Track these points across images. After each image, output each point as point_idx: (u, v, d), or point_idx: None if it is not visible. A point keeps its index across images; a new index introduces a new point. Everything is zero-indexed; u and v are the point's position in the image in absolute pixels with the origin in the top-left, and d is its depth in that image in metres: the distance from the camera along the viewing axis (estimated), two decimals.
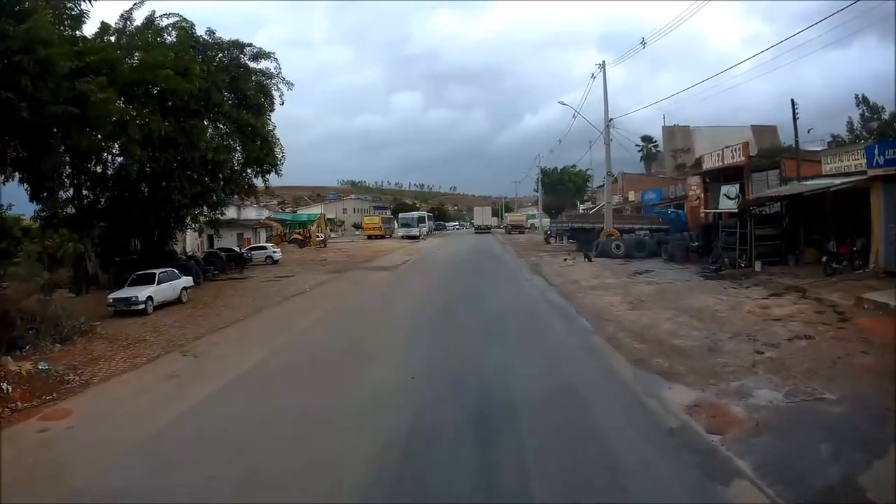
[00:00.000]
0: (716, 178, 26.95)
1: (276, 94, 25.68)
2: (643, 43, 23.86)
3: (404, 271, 23.23)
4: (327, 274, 24.12)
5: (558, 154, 79.01)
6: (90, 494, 5.15)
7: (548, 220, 79.54)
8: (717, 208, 23.06)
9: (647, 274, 18.87)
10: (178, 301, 18.09)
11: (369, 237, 58.19)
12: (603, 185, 79.38)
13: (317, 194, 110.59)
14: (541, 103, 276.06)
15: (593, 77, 27.68)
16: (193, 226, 26.83)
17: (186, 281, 19.26)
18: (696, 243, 23.06)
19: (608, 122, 26.04)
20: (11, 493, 4.99)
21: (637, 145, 75.93)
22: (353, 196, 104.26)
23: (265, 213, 58.60)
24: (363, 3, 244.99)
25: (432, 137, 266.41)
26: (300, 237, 43.78)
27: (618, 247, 24.33)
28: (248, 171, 24.61)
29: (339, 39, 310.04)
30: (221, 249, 32.19)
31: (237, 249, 32.42)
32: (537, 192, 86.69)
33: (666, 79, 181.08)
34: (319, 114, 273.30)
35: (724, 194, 21.48)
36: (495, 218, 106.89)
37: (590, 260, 22.69)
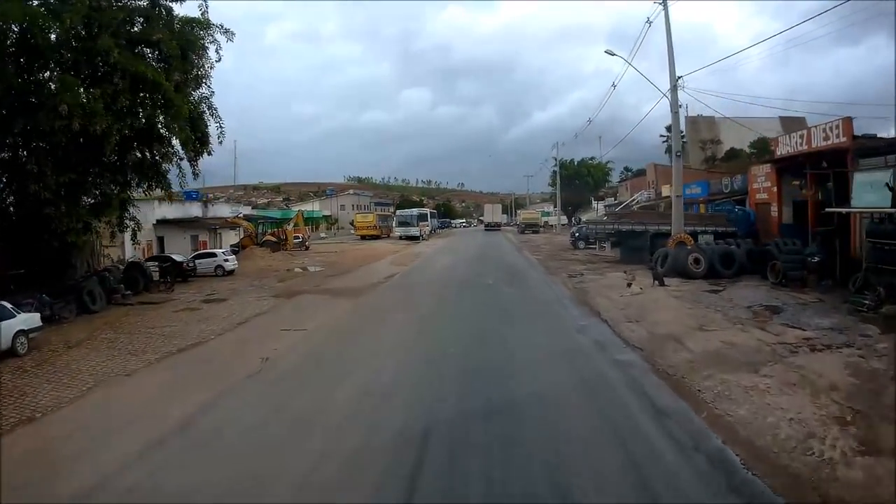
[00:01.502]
0: (793, 168, 19.97)
1: (211, 46, 18.72)
2: None
3: (379, 299, 15.41)
4: (270, 299, 16.56)
5: (569, 150, 71.08)
6: None
7: (565, 217, 71.67)
8: (854, 206, 15.32)
9: (778, 315, 11.12)
10: (11, 352, 11.03)
11: (363, 237, 50.70)
12: (624, 182, 71.40)
13: (322, 191, 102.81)
14: (550, 100, 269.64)
15: (649, 22, 19.82)
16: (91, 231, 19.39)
17: (26, 321, 11.93)
18: (816, 258, 15.26)
19: (675, 82, 18.11)
20: None
21: (661, 136, 68.10)
22: (351, 191, 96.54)
23: (246, 210, 51.43)
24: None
25: (440, 133, 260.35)
26: (274, 239, 36.23)
27: (697, 261, 16.38)
28: (157, 151, 17.24)
29: (348, 35, 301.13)
30: (156, 258, 24.87)
31: (177, 258, 24.95)
32: (552, 186, 78.50)
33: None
34: (327, 109, 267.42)
35: (887, 184, 13.54)
36: (505, 215, 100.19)
37: (661, 283, 14.85)
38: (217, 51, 18.93)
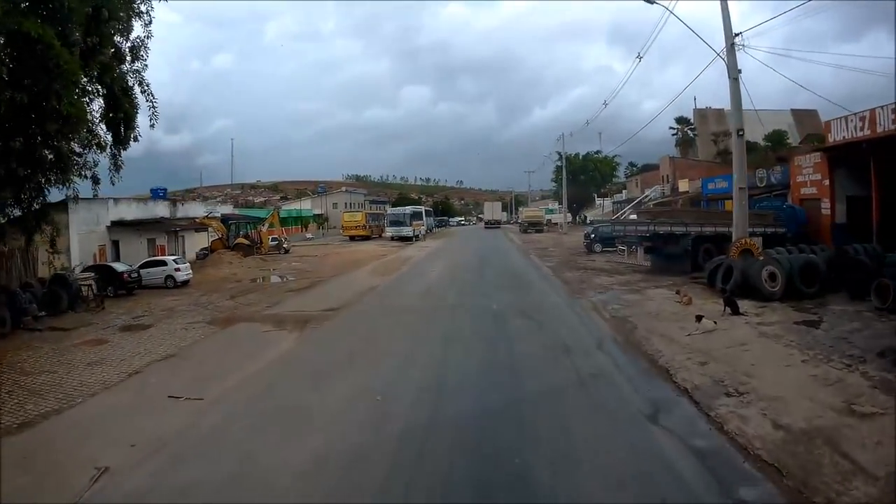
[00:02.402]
0: (850, 157, 17.24)
1: (143, 7, 14.95)
2: None
3: (334, 336, 11.04)
4: (201, 328, 12.40)
5: (571, 145, 66.14)
6: None
7: (569, 215, 67.45)
8: None
9: None
10: None
11: (351, 238, 46.53)
12: (632, 177, 67.04)
13: (314, 188, 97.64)
14: (550, 97, 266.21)
15: None
16: None
17: None
18: None
19: (732, 40, 13.90)
20: None
21: (671, 128, 64.14)
22: (344, 189, 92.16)
23: (225, 209, 47.19)
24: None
25: (440, 131, 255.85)
26: (247, 242, 32.04)
27: (772, 277, 12.19)
28: (56, 134, 13.12)
29: (348, 32, 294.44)
30: (93, 268, 20.88)
31: (118, 267, 20.91)
32: (555, 182, 74.23)
33: (675, 72, 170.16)
34: (328, 107, 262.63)
35: None
36: (505, 213, 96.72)
37: (735, 310, 10.67)
38: (149, 12, 15.11)
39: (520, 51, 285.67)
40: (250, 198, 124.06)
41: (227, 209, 51.73)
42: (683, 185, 39.35)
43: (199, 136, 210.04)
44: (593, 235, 26.43)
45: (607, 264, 20.58)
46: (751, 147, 63.62)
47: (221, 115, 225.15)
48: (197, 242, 33.21)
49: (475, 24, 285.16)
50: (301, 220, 65.69)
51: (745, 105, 14.30)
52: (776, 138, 63.09)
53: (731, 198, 32.57)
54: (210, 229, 32.94)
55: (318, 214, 75.12)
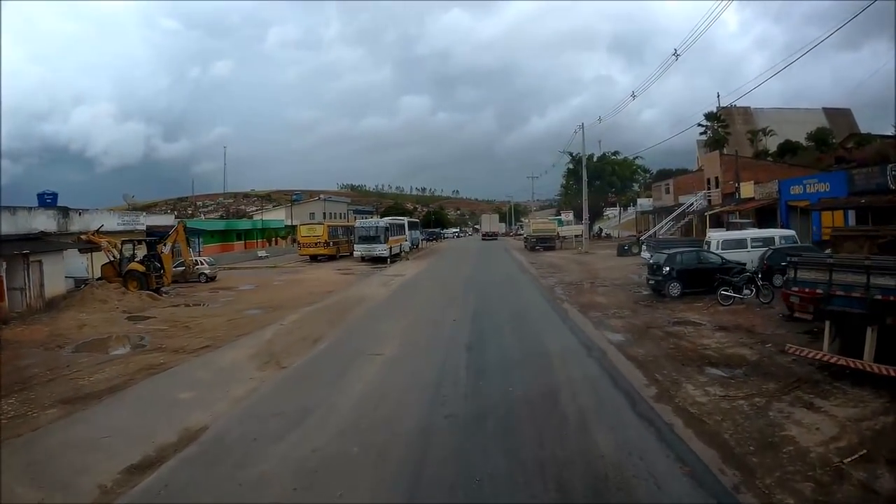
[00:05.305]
0: None
1: None
2: None
3: None
4: None
5: (577, 149, 57.44)
6: None
7: (582, 227, 57.88)
8: None
9: None
10: None
11: (312, 258, 36.56)
12: (661, 182, 57.18)
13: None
14: (548, 106, 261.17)
15: None
16: None
17: None
18: None
19: None
20: None
21: (700, 125, 54.91)
22: (320, 197, 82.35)
23: (160, 220, 37.19)
24: (377, 1, 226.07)
25: (438, 140, 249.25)
26: (140, 269, 22.08)
27: None
28: None
29: (350, 39, 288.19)
30: None
31: None
32: (564, 187, 64.80)
33: (676, 80, 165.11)
34: (326, 116, 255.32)
35: None
36: (503, 224, 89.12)
37: None
38: None
39: (519, 60, 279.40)
40: (242, 206, 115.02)
41: (168, 219, 41.51)
42: (747, 190, 29.72)
43: (197, 145, 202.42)
44: (668, 269, 15.28)
45: (739, 342, 10.02)
46: (794, 146, 53.93)
47: (220, 123, 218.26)
48: (89, 267, 23.57)
49: (475, 32, 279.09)
50: (265, 234, 55.91)
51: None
52: (820, 137, 54.13)
53: (840, 206, 22.67)
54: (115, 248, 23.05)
55: (292, 226, 65.51)
